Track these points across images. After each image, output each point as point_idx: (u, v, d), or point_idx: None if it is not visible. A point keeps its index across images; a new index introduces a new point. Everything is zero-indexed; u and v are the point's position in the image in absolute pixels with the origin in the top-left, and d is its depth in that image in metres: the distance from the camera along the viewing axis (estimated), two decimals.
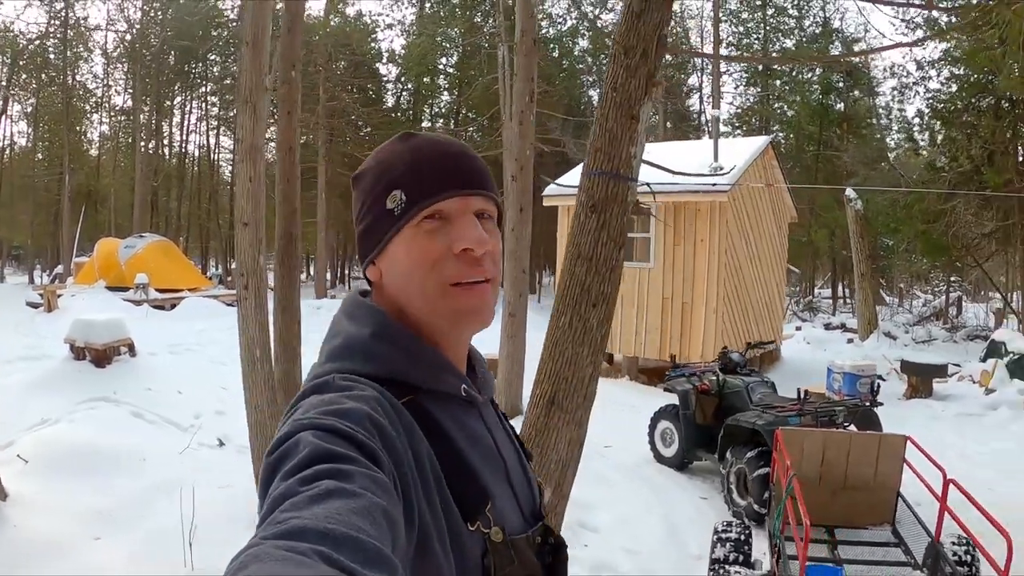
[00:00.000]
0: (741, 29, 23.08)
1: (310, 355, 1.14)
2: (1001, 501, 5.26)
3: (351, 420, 0.62)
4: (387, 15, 32.22)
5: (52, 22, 24.00)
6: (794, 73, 21.21)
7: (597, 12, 25.07)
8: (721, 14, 21.09)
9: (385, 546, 0.51)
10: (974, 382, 9.89)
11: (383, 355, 0.73)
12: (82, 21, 24.86)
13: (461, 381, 0.77)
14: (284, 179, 5.71)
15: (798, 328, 15.56)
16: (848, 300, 22.00)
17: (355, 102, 22.15)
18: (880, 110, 19.13)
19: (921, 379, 9.37)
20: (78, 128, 27.62)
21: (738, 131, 22.84)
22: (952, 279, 19.48)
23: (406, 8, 25.52)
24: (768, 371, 10.96)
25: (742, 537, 3.55)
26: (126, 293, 16.50)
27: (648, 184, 3.64)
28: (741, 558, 3.45)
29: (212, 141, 29.72)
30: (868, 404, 4.72)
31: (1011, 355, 10.05)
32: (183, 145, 30.13)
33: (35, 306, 16.25)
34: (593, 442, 6.70)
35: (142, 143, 24.95)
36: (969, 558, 3.43)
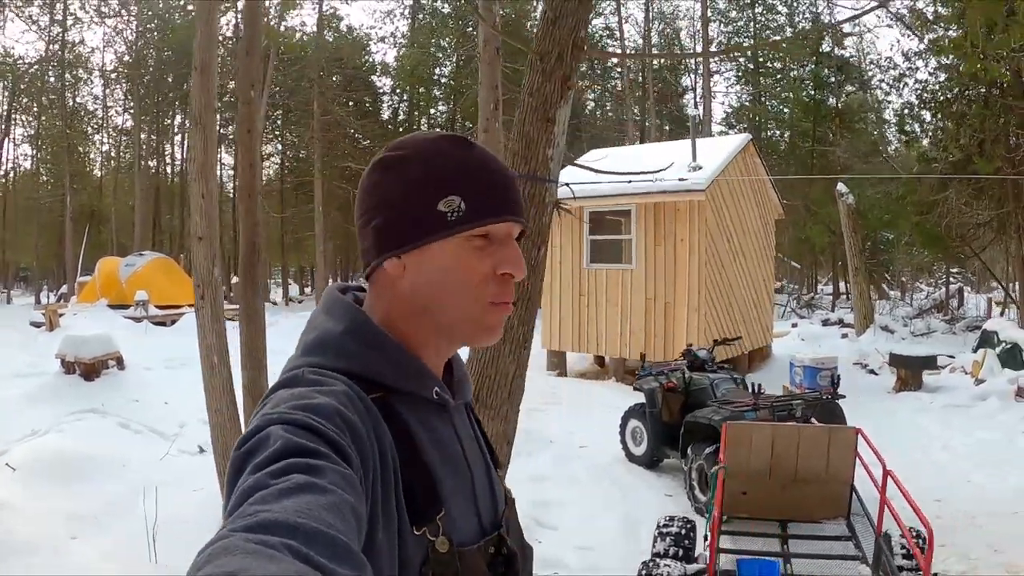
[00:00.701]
0: (731, 28, 23.06)
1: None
2: (977, 493, 5.26)
3: (321, 415, 0.62)
4: (379, 27, 32.39)
5: (51, 46, 24.40)
6: (786, 70, 21.16)
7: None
8: (710, 13, 21.11)
9: (353, 542, 0.51)
10: (966, 373, 9.79)
11: (354, 352, 0.73)
12: (79, 44, 25.25)
13: (434, 384, 0.77)
14: (246, 194, 5.84)
15: (794, 325, 15.47)
16: (850, 296, 21.84)
17: (349, 115, 22.30)
18: (875, 103, 19.00)
19: (910, 371, 9.29)
20: (81, 149, 28.06)
21: (733, 131, 22.79)
22: (955, 271, 19.31)
23: (398, 21, 25.75)
24: (758, 368, 10.90)
25: (683, 531, 3.54)
26: (127, 311, 16.68)
27: (568, 184, 3.69)
28: (681, 552, 3.44)
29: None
30: (828, 397, 4.68)
31: (1003, 344, 9.94)
32: (184, 163, 30.45)
33: (38, 325, 16.45)
34: (570, 443, 6.81)
35: (141, 162, 25.24)
36: (919, 551, 3.39)
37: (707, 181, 8.70)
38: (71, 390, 7.58)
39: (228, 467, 0.61)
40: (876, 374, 10.64)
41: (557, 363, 10.70)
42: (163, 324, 16.32)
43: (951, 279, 18.92)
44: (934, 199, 13.13)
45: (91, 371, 8.06)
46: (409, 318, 0.77)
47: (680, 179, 8.82)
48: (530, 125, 3.38)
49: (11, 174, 27.53)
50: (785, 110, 21.06)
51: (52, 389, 7.46)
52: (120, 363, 8.76)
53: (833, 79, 19.65)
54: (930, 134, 13.80)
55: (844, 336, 13.55)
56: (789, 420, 4.38)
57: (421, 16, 25.61)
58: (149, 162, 27.04)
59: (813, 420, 4.57)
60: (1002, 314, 15.19)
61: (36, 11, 22.28)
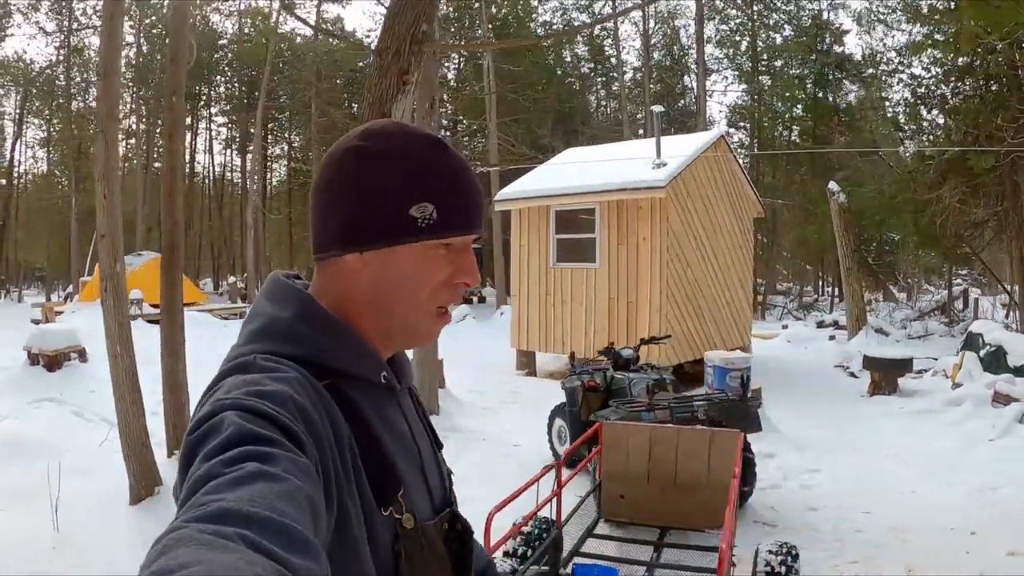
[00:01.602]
0: (729, 26, 22.61)
1: None
2: (915, 504, 4.89)
3: (275, 402, 0.61)
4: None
5: (60, 51, 24.91)
6: (786, 67, 20.70)
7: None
8: (708, 11, 20.78)
9: (308, 531, 0.51)
10: (947, 377, 9.41)
11: (305, 337, 0.72)
12: (87, 48, 25.70)
13: (381, 368, 0.77)
14: (167, 195, 5.93)
15: (785, 327, 15.09)
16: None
17: (346, 117, 22.38)
18: (873, 100, 18.46)
19: (884, 375, 8.95)
20: (93, 150, 28.50)
21: (734, 130, 22.43)
22: (963, 272, 18.71)
23: None
24: None
25: (536, 532, 3.38)
26: None
27: None
28: (529, 552, 3.28)
29: (220, 159, 30.32)
30: (737, 399, 4.42)
31: (987, 347, 9.54)
32: (191, 164, 30.88)
33: (36, 322, 16.86)
34: (503, 441, 6.66)
35: (144, 164, 25.61)
36: (784, 569, 3.18)
37: (667, 179, 8.47)
38: (34, 380, 8.07)
39: (180, 453, 0.60)
40: (856, 377, 10.28)
41: (526, 363, 10.54)
42: (156, 322, 16.52)
43: (958, 280, 18.33)
44: (928, 197, 12.70)
45: (54, 363, 8.58)
46: (361, 312, 0.77)
47: (642, 177, 8.62)
48: (370, 120, 3.44)
49: (25, 176, 28.20)
50: (780, 105, 20.57)
51: (18, 379, 7.98)
52: (82, 356, 9.35)
53: (831, 76, 19.14)
54: (925, 131, 13.35)
55: (832, 338, 13.17)
56: (693, 423, 4.17)
57: None
58: (153, 164, 27.39)
59: (726, 425, 4.35)
60: (1007, 316, 14.66)
61: (43, 17, 22.70)
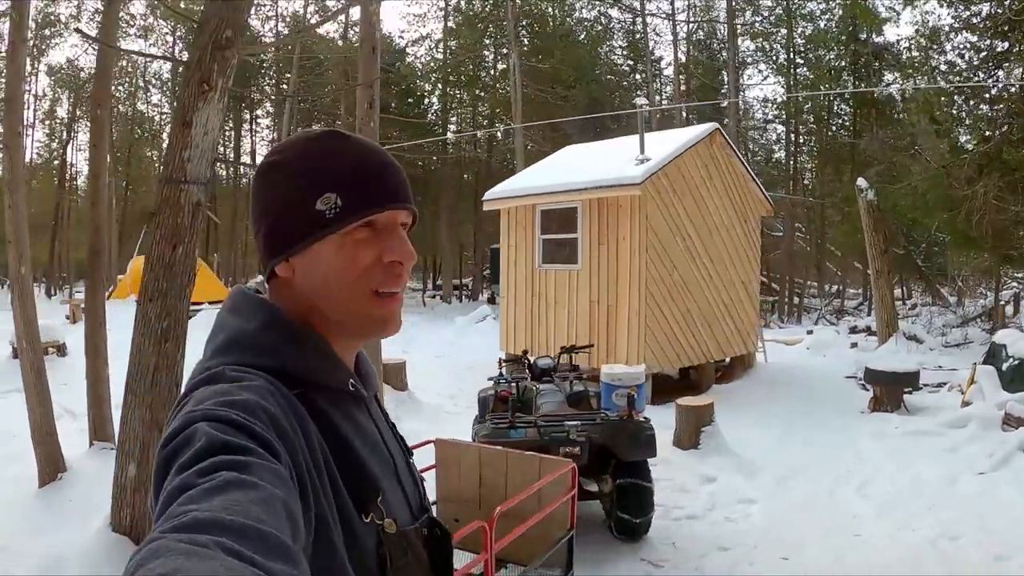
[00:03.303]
0: (763, 17, 21.43)
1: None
2: (855, 549, 4.12)
3: (246, 411, 0.62)
4: (410, 31, 32.57)
5: (115, 60, 25.98)
6: (823, 59, 19.50)
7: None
8: (742, 3, 19.80)
9: (286, 537, 0.50)
10: (962, 393, 8.53)
11: (272, 347, 0.73)
12: (135, 55, 26.76)
13: (349, 375, 0.78)
14: (91, 203, 6.06)
15: (809, 332, 14.18)
16: (905, 301, 19.95)
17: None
18: (906, 92, 17.18)
19: (886, 389, 8.17)
20: (148, 153, 29.84)
21: (770, 125, 21.35)
22: (1018, 274, 17.19)
23: (431, 23, 25.69)
24: (738, 379, 9.95)
25: None
26: None
27: (204, 185, 3.50)
28: None
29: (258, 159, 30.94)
30: (625, 419, 3.93)
31: (1011, 360, 8.63)
32: (236, 166, 31.75)
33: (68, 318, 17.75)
34: (427, 448, 6.33)
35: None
36: None
37: (644, 175, 7.97)
38: (14, 372, 8.74)
39: (154, 467, 0.60)
40: (867, 389, 9.45)
41: None
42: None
43: (1015, 284, 16.84)
44: (963, 194, 11.63)
45: None
46: (306, 317, 0.76)
47: (619, 174, 8.16)
48: (174, 129, 3.53)
49: (76, 178, 29.66)
50: (815, 102, 19.32)
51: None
52: (61, 351, 9.86)
53: (865, 67, 17.84)
54: (963, 123, 12.24)
55: (854, 346, 12.25)
56: (566, 444, 3.76)
57: (456, 16, 25.43)
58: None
59: (609, 448, 3.91)
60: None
61: (84, 26, 23.70)
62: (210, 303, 18.87)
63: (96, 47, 6.33)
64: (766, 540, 4.15)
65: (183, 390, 0.70)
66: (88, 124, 28.33)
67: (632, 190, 7.98)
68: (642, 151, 8.55)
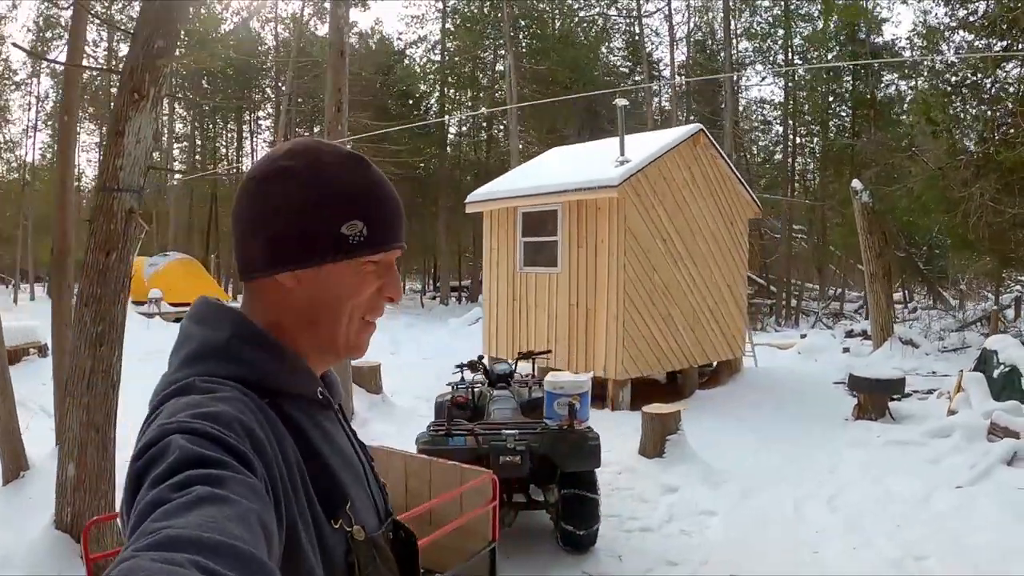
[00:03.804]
0: (760, 18, 21.20)
1: None
2: (809, 569, 3.96)
3: (220, 423, 0.61)
4: (408, 33, 32.54)
5: (110, 62, 26.10)
6: (821, 60, 19.24)
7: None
8: (739, 3, 19.58)
9: (262, 553, 0.50)
10: (950, 399, 8.33)
11: (243, 357, 0.72)
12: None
13: (317, 384, 0.78)
14: (58, 207, 6.09)
15: (803, 336, 13.96)
16: (907, 304, 19.65)
17: (371, 119, 22.42)
18: (901, 93, 16.94)
19: (870, 397, 7.99)
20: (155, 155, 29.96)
21: (768, 126, 21.08)
22: (1022, 278, 16.88)
23: (429, 24, 25.61)
24: (724, 385, 9.79)
25: None
26: (141, 307, 17.60)
27: (138, 192, 3.57)
28: None
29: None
30: (567, 428, 3.78)
31: (1002, 367, 8.42)
32: (239, 166, 31.83)
33: None
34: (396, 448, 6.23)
35: (180, 165, 26.52)
36: None
37: (622, 177, 7.83)
38: None
39: (125, 481, 0.59)
40: (855, 396, 9.28)
41: None
42: (178, 320, 17.12)
43: (1018, 287, 16.53)
44: (959, 196, 11.41)
45: (12, 357, 9.04)
46: (296, 329, 0.77)
47: (598, 176, 8.03)
48: (108, 138, 3.60)
49: (81, 179, 29.80)
50: (813, 102, 19.05)
51: None
52: (42, 351, 10.10)
53: (862, 69, 17.59)
54: (961, 123, 12.02)
55: (846, 351, 12.03)
56: (505, 454, 3.64)
57: (453, 18, 25.35)
58: (200, 166, 28.38)
59: (549, 458, 3.78)
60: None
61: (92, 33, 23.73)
62: None
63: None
64: (718, 556, 4.00)
65: (151, 404, 0.68)
66: (91, 125, 28.60)
67: (610, 192, 7.85)
68: (622, 152, 8.41)
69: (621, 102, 8.44)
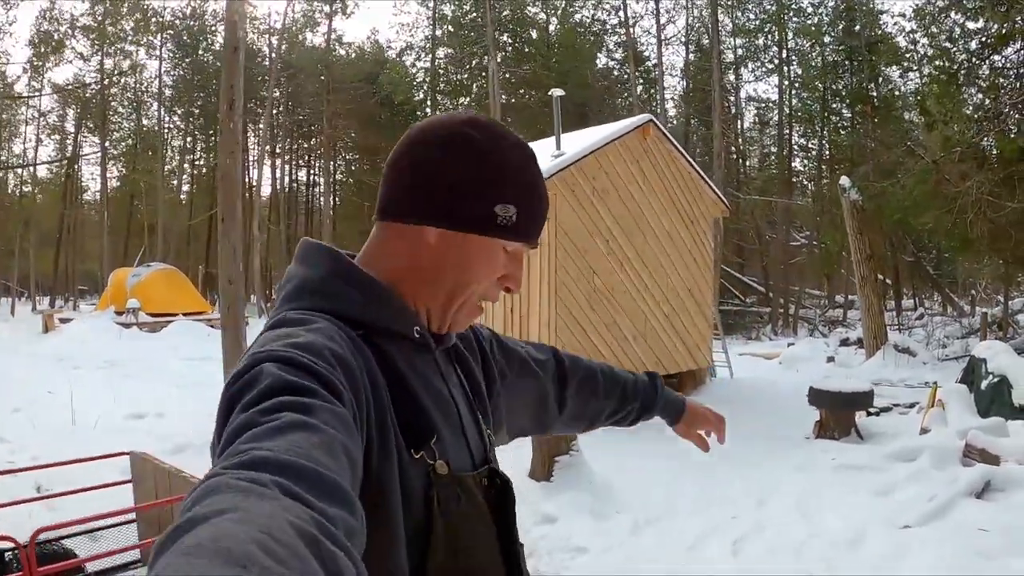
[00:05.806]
0: (750, 14, 20.26)
1: None
2: None
3: (311, 352, 0.62)
4: (396, 41, 32.32)
5: (114, 77, 26.28)
6: (817, 55, 18.32)
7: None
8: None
9: (345, 481, 0.51)
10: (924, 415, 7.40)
11: (337, 292, 0.75)
12: (133, 72, 26.97)
13: (413, 323, 0.78)
14: None
15: (790, 344, 13.02)
16: (916, 309, 18.46)
17: (349, 127, 22.09)
18: (897, 87, 15.90)
19: (831, 412, 7.11)
20: (157, 168, 30.20)
21: (765, 125, 20.14)
22: None
23: (421, 32, 25.21)
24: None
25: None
26: (120, 317, 17.38)
27: None
28: None
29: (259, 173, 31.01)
30: None
31: (990, 377, 7.47)
32: (211, 176, 31.79)
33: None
34: None
35: (171, 174, 26.44)
36: None
37: (550, 172, 7.12)
38: None
39: (218, 406, 0.61)
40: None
41: None
42: (155, 330, 16.82)
43: (1008, 293, 15.33)
44: (954, 192, 10.44)
45: None
46: (416, 283, 0.78)
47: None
48: None
49: (84, 192, 30.03)
50: (811, 96, 18.05)
51: None
52: None
53: (856, 60, 16.56)
54: (958, 113, 11.06)
55: (831, 360, 11.09)
56: None
57: (443, 25, 24.91)
58: (197, 176, 28.34)
59: None
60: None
61: (85, 47, 23.94)
62: (185, 314, 18.81)
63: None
64: None
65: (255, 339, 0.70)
66: (93, 138, 28.79)
67: None
68: (558, 147, 7.73)
69: (557, 92, 7.76)
